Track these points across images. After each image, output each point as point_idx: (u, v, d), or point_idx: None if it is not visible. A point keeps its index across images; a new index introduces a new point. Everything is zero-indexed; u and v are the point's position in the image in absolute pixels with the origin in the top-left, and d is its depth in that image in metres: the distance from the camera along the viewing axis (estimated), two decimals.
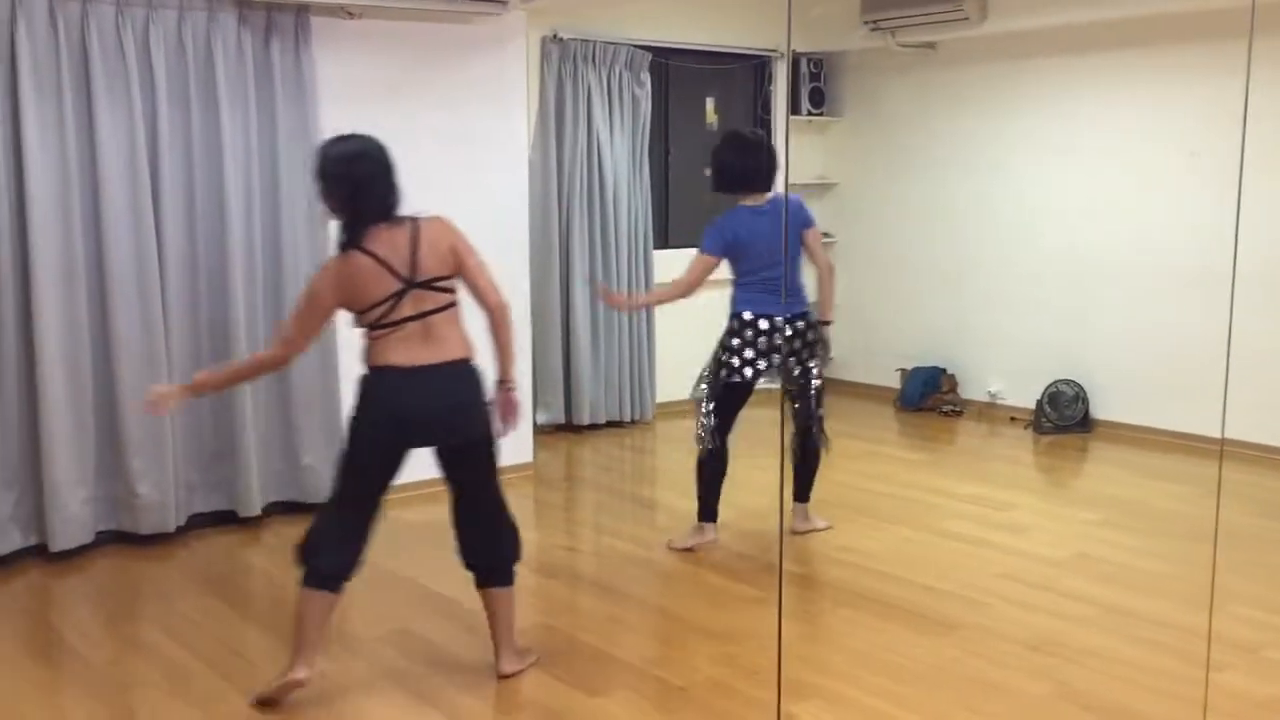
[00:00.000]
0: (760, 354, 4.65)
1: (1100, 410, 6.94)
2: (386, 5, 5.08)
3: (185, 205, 4.93)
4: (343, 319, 3.47)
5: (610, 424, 7.10)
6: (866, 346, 7.98)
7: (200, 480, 5.12)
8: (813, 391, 4.78)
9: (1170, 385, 6.58)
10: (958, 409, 7.52)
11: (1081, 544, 4.88)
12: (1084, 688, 3.51)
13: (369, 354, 3.40)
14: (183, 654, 3.83)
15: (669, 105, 7.50)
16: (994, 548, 4.84)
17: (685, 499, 5.32)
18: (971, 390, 7.61)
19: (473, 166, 5.63)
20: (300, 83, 5.12)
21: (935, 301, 7.78)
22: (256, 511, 5.16)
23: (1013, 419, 7.27)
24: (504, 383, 3.55)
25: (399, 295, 3.32)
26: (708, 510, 4.85)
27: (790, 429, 5.00)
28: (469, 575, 3.64)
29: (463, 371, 3.43)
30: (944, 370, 7.68)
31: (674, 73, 7.47)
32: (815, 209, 5.28)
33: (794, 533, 5.01)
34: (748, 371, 4.66)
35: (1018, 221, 7.28)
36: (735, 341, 4.67)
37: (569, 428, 6.96)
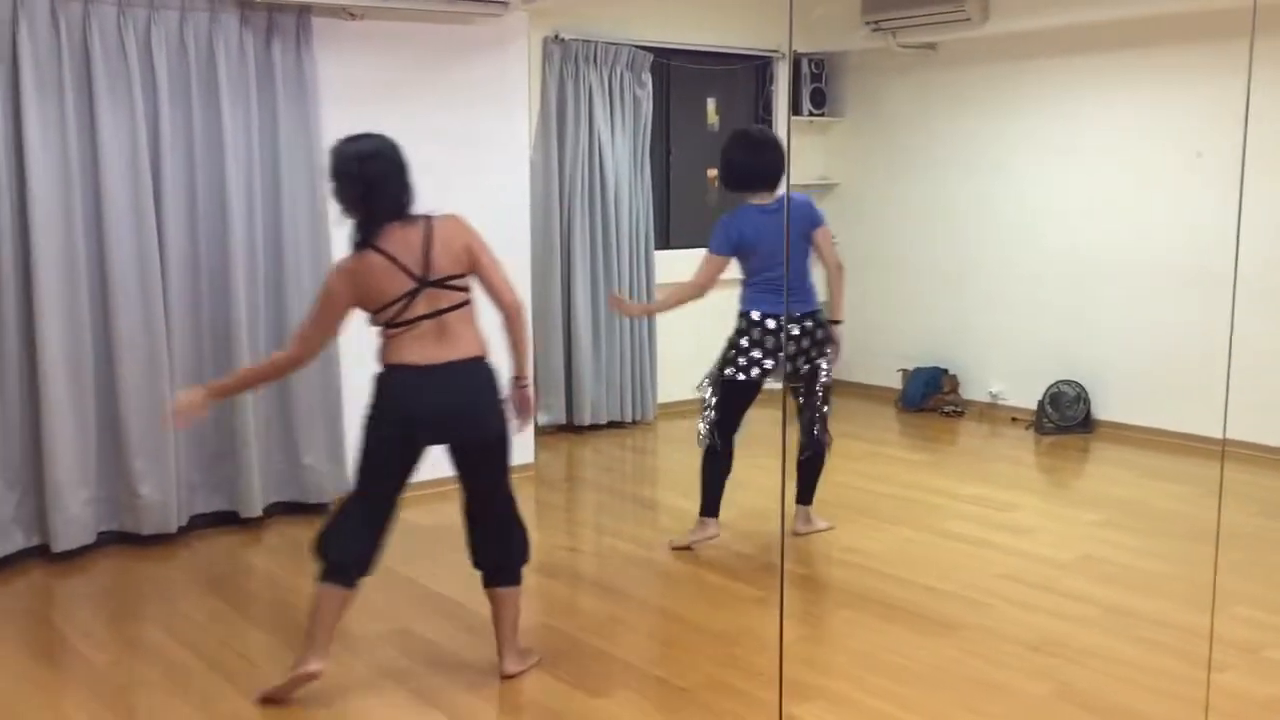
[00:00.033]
0: (767, 353, 4.65)
1: (1102, 411, 6.94)
2: (388, 6, 5.08)
3: (187, 205, 4.93)
4: (357, 318, 3.47)
5: (612, 424, 7.10)
6: (868, 347, 7.97)
7: (202, 481, 5.12)
8: (819, 389, 4.77)
9: (1172, 386, 6.58)
10: (959, 409, 7.52)
11: (1083, 544, 4.88)
12: (1085, 688, 3.51)
13: (383, 353, 3.42)
14: (184, 654, 3.83)
15: (670, 106, 7.50)
16: (995, 548, 4.84)
17: (686, 499, 5.33)
18: (973, 391, 7.61)
19: (474, 167, 5.63)
20: (302, 83, 5.12)
21: (937, 302, 7.78)
22: (258, 512, 5.17)
23: (1014, 419, 7.27)
24: (518, 379, 3.57)
25: (412, 294, 3.34)
26: (710, 506, 4.84)
27: (794, 429, 5.00)
28: (471, 575, 3.64)
29: (477, 369, 3.44)
30: (945, 371, 7.69)
31: (675, 73, 7.47)
32: None
33: (795, 534, 5.01)
34: (754, 371, 4.66)
35: (1019, 222, 7.28)
36: (743, 341, 4.68)
37: (570, 428, 6.96)
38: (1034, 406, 7.10)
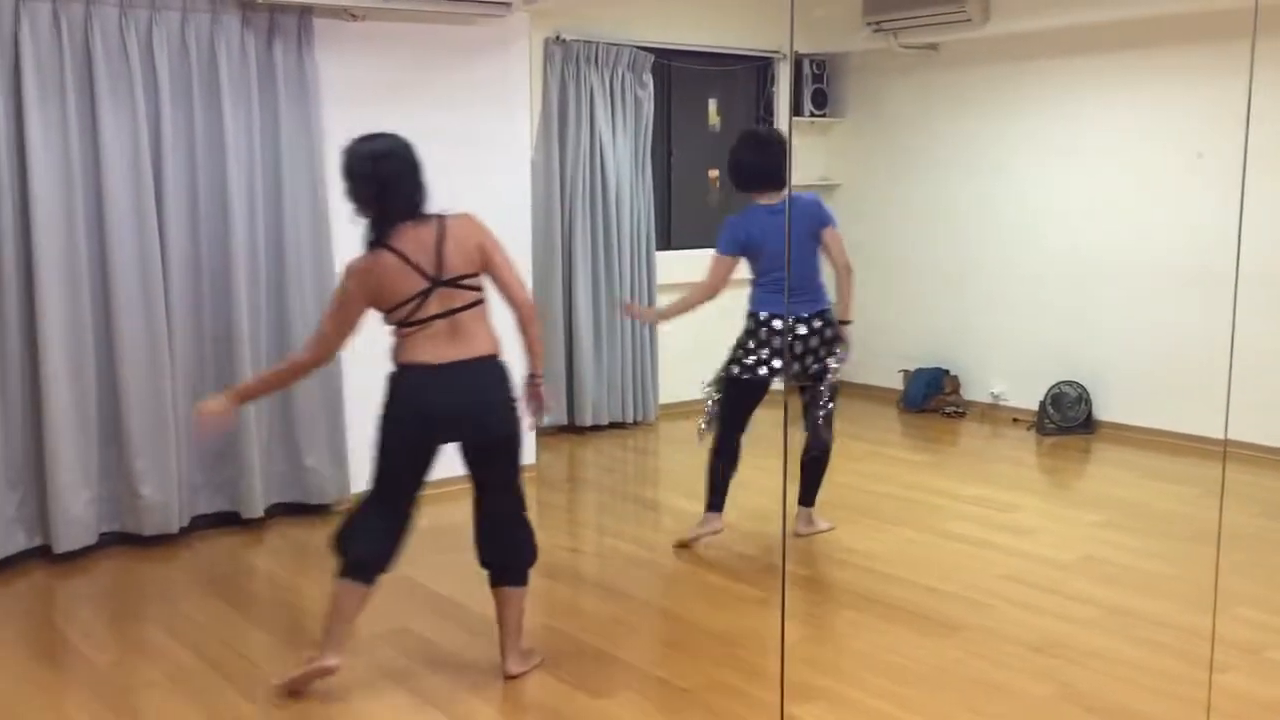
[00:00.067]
0: (775, 353, 4.66)
1: (1103, 411, 6.94)
2: (389, 7, 5.08)
3: (188, 207, 4.93)
4: (370, 319, 3.48)
5: (613, 425, 7.10)
6: (869, 348, 7.94)
7: (203, 481, 5.13)
8: (825, 389, 4.76)
9: (1173, 386, 6.57)
10: (960, 410, 7.52)
11: (1084, 545, 4.88)
12: (1087, 689, 3.51)
13: (397, 351, 3.43)
14: (186, 655, 3.83)
15: (671, 107, 7.50)
16: (997, 549, 4.84)
17: (688, 500, 5.33)
18: (974, 391, 7.61)
19: (476, 168, 5.63)
20: (303, 84, 5.12)
21: (938, 303, 7.78)
22: (259, 513, 5.17)
23: (1015, 420, 7.27)
24: (533, 377, 3.61)
25: (425, 293, 3.34)
26: (714, 501, 4.85)
27: (797, 429, 5.00)
28: (472, 576, 3.65)
29: (490, 368, 3.45)
30: (947, 371, 7.68)
31: (676, 74, 7.47)
32: None
33: (797, 535, 5.00)
34: (761, 371, 4.68)
35: (1020, 223, 7.28)
36: (751, 341, 4.70)
37: (571, 429, 6.96)
38: (1035, 407, 7.10)
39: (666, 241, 7.48)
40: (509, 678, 3.60)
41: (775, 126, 7.78)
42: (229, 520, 5.18)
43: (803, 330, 4.67)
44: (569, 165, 6.79)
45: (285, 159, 5.10)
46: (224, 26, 4.91)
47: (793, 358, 4.70)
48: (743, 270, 4.72)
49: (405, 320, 3.37)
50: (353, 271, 3.40)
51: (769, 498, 5.40)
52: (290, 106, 5.10)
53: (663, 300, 7.10)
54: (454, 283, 3.37)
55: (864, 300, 7.88)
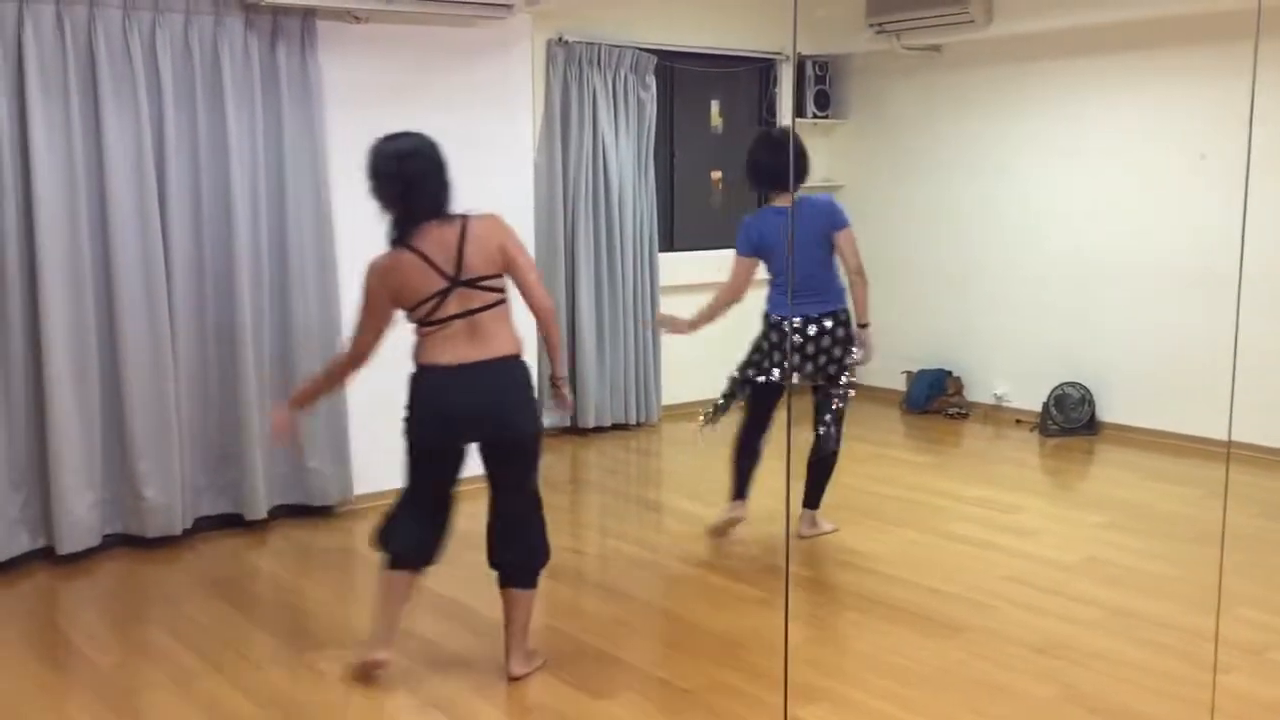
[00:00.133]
0: (787, 355, 4.68)
1: (1106, 413, 6.94)
2: (392, 9, 5.08)
3: (192, 209, 4.94)
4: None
5: (616, 427, 7.10)
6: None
7: (206, 483, 5.13)
8: (837, 391, 4.76)
9: (1176, 388, 6.57)
10: (963, 411, 7.51)
11: (1088, 547, 4.87)
12: (1090, 690, 3.51)
13: (417, 351, 3.45)
14: (189, 657, 3.84)
15: (674, 108, 7.50)
16: (1000, 550, 4.83)
17: (690, 502, 5.34)
18: (977, 393, 7.61)
19: (478, 169, 5.57)
20: (306, 87, 5.13)
21: (941, 304, 7.78)
22: (262, 515, 5.17)
23: (1018, 421, 7.26)
24: (555, 379, 3.67)
25: (444, 293, 3.36)
26: (737, 490, 4.89)
27: (803, 430, 5.01)
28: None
29: (508, 369, 3.46)
30: (949, 373, 7.68)
31: (679, 75, 7.47)
32: None
33: (800, 537, 5.00)
34: (775, 373, 4.69)
35: (1023, 224, 7.28)
36: (764, 343, 4.73)
37: (574, 430, 6.96)
38: (1038, 408, 7.09)
39: (669, 243, 7.48)
40: (512, 679, 3.61)
41: (773, 128, 7.77)
42: (232, 522, 5.18)
43: (812, 331, 4.66)
44: (571, 167, 6.79)
45: (288, 161, 5.10)
46: (227, 29, 4.91)
47: (804, 358, 4.70)
48: (763, 271, 4.76)
49: (425, 319, 3.39)
50: (374, 269, 3.42)
51: (773, 499, 5.39)
52: (293, 109, 5.10)
53: (665, 301, 7.11)
54: (473, 283, 3.38)
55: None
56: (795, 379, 4.80)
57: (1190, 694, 3.45)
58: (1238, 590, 4.24)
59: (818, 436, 4.82)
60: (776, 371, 4.70)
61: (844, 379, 4.74)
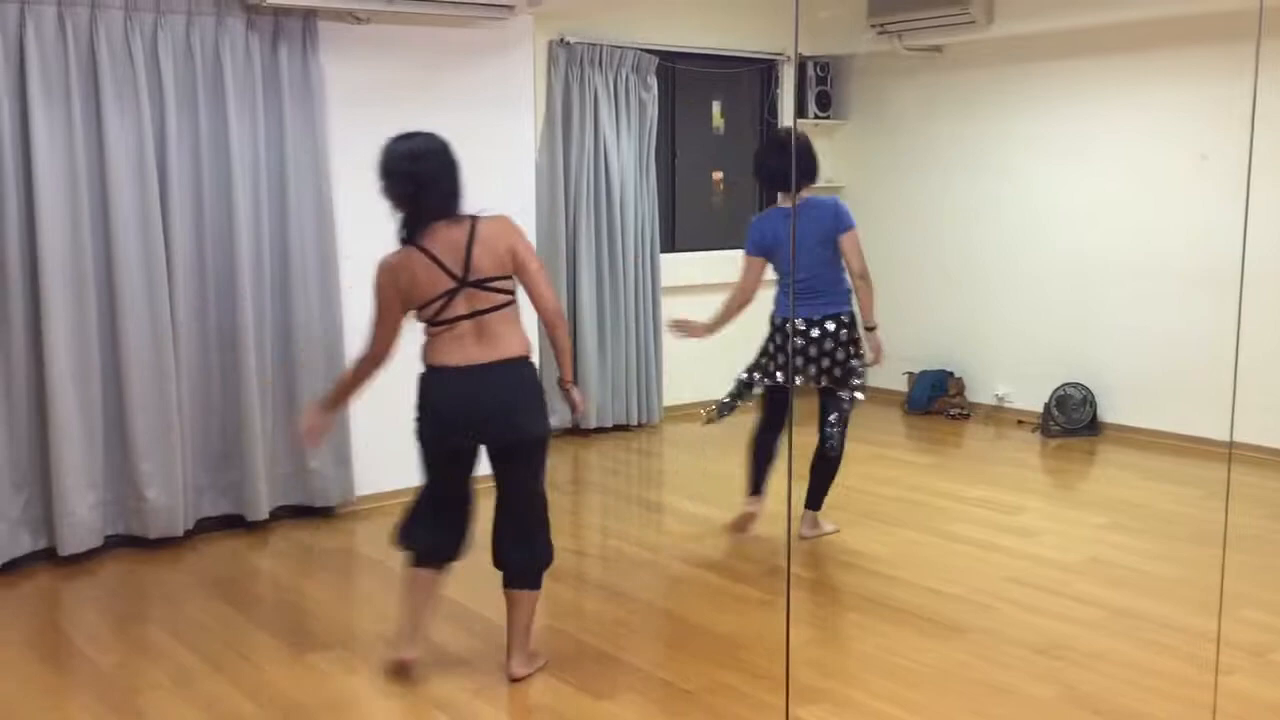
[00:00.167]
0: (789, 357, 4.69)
1: (1108, 413, 6.93)
2: (393, 10, 5.09)
3: (193, 210, 4.94)
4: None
5: (617, 427, 7.10)
6: None
7: (208, 484, 5.13)
8: (843, 394, 4.75)
9: (1178, 388, 6.56)
10: (965, 412, 7.51)
11: (1089, 547, 4.87)
12: (1092, 691, 3.51)
13: (426, 352, 3.46)
14: (190, 657, 3.84)
15: (675, 109, 7.50)
16: (1002, 551, 4.83)
17: (692, 502, 5.34)
18: (979, 393, 7.60)
19: (479, 170, 5.54)
20: (308, 88, 5.13)
21: (942, 304, 7.78)
22: (264, 515, 5.17)
23: (1020, 422, 7.26)
24: (563, 382, 3.67)
25: (451, 294, 3.36)
26: (753, 486, 4.90)
27: (807, 431, 5.01)
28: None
29: (515, 370, 3.46)
30: (951, 373, 7.68)
31: (680, 76, 7.47)
32: None
33: (801, 538, 4.99)
34: (780, 375, 4.70)
35: (1024, 224, 7.28)
36: (770, 345, 4.74)
37: (575, 431, 6.96)
38: (1040, 409, 7.09)
39: (670, 244, 7.48)
40: (513, 680, 3.61)
41: (774, 128, 7.78)
42: (234, 523, 5.18)
43: (815, 333, 4.66)
44: (573, 168, 6.79)
45: (290, 162, 5.10)
46: (229, 30, 4.91)
47: (807, 360, 4.70)
48: (772, 272, 4.79)
49: (433, 319, 3.40)
50: (384, 267, 3.42)
51: (774, 500, 5.39)
52: (295, 109, 5.10)
53: (666, 302, 7.11)
54: (481, 284, 3.38)
55: None
56: (798, 381, 4.80)
57: (1192, 695, 3.45)
58: (1240, 591, 4.24)
59: (821, 438, 4.81)
60: (781, 374, 4.70)
61: (853, 383, 4.73)
